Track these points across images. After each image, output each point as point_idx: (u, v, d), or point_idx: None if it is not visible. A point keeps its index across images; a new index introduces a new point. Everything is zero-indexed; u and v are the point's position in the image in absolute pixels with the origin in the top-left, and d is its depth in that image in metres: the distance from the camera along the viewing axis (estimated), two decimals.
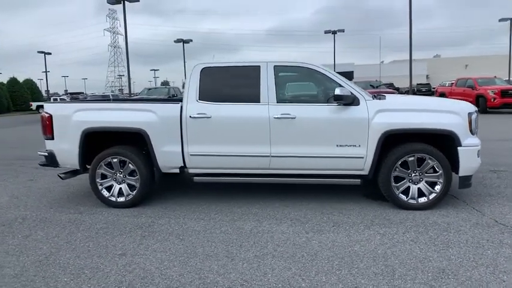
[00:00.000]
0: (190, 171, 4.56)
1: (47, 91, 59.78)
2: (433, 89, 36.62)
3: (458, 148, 4.03)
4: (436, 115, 4.07)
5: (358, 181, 4.30)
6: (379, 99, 4.27)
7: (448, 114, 4.07)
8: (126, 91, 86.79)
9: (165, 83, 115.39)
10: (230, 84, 4.47)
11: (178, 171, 4.55)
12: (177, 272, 2.95)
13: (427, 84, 40.57)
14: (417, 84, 39.99)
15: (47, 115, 4.62)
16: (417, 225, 3.77)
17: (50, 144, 4.69)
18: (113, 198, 4.60)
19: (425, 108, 4.16)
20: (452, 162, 4.13)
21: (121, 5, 25.75)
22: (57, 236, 3.78)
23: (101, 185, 4.61)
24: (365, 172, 4.24)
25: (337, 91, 4.01)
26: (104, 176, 4.61)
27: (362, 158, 4.16)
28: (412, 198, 4.18)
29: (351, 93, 4.12)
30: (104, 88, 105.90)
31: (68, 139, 4.58)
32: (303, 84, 4.86)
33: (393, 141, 4.18)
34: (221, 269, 2.97)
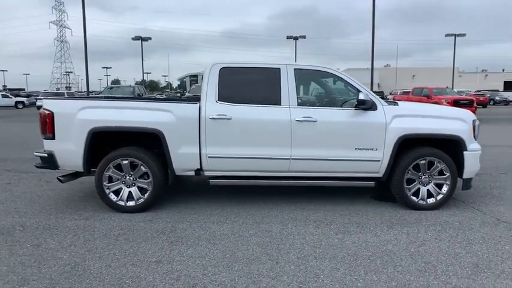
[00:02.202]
0: (206, 173, 4.43)
1: None
2: (385, 97, 38.95)
3: (464, 152, 4.36)
4: (447, 121, 4.37)
5: (372, 183, 4.47)
6: (394, 105, 4.49)
7: (457, 121, 4.39)
8: (74, 89, 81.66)
9: (116, 82, 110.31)
10: (250, 85, 4.43)
11: (194, 174, 4.40)
12: (227, 277, 2.86)
13: (380, 92, 42.98)
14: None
15: (47, 112, 4.24)
16: (434, 224, 4.01)
17: (49, 145, 4.30)
18: (122, 203, 4.32)
19: (436, 114, 4.44)
20: (457, 166, 4.45)
21: None
22: (72, 244, 3.47)
23: (108, 188, 4.31)
24: (380, 175, 4.43)
25: (361, 96, 4.15)
26: (111, 179, 4.32)
27: (379, 161, 4.33)
28: (422, 199, 4.44)
29: (370, 98, 4.29)
30: (49, 85, 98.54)
31: (71, 139, 4.23)
32: (321, 87, 4.94)
33: (405, 146, 4.41)
34: (271, 273, 2.93)
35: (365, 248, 3.39)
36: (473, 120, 4.47)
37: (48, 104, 4.29)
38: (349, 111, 4.33)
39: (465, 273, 2.93)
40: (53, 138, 4.26)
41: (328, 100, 4.75)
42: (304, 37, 37.04)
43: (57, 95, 20.50)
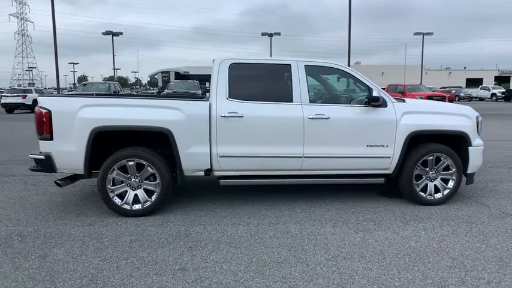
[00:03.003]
0: (216, 173, 4.27)
1: None
2: None
3: (469, 148, 4.46)
4: (453, 118, 4.46)
5: (382, 180, 4.49)
6: (402, 101, 4.52)
7: (462, 117, 4.49)
8: (38, 85, 77.40)
9: (83, 78, 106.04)
10: (260, 82, 4.32)
11: (204, 174, 4.23)
12: (261, 283, 2.74)
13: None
14: None
15: (44, 111, 3.90)
16: (446, 219, 4.07)
17: (46, 146, 3.97)
18: (127, 207, 4.08)
19: (443, 111, 4.52)
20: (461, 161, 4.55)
21: None
22: (83, 253, 3.21)
23: (112, 191, 4.05)
24: (390, 171, 4.45)
25: (374, 93, 4.14)
26: (114, 182, 4.06)
27: (389, 157, 4.35)
28: (430, 194, 4.51)
29: (381, 95, 4.28)
30: (10, 81, 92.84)
31: (71, 139, 3.93)
32: (331, 84, 4.89)
33: (414, 142, 4.45)
34: (305, 276, 2.84)
35: (389, 246, 3.38)
36: (477, 117, 4.59)
37: (45, 102, 3.95)
38: (361, 108, 4.31)
39: (493, 268, 2.98)
40: (51, 139, 3.94)
41: (339, 97, 4.71)
42: (279, 34, 37.17)
43: (25, 91, 19.23)
